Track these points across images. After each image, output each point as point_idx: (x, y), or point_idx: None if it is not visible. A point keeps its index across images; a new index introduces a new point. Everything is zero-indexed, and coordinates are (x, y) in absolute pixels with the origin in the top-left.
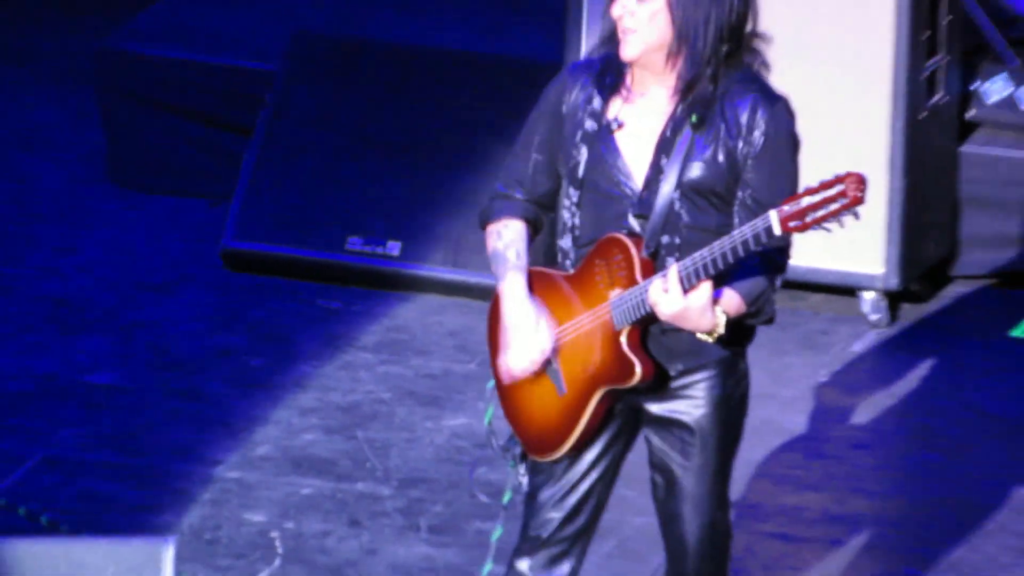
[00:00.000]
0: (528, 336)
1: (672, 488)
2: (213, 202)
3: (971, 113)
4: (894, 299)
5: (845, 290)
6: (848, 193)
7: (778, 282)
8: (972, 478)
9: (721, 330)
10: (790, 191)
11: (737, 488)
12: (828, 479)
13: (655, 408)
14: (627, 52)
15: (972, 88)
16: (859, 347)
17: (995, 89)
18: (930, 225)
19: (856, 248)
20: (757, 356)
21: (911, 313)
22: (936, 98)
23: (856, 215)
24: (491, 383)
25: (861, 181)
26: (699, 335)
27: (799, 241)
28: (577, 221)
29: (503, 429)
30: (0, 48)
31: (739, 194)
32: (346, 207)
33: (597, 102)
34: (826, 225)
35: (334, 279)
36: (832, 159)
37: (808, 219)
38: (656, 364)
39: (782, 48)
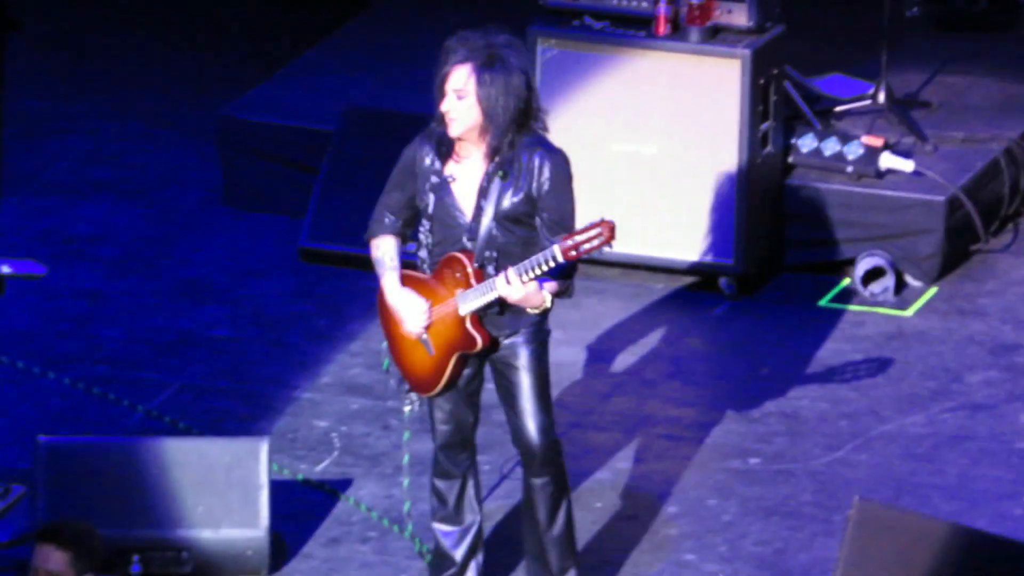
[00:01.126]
0: (411, 309)
1: (514, 409)
2: (294, 217)
3: (791, 159)
4: (741, 281)
5: (710, 274)
6: (604, 234)
7: (574, 277)
8: (794, 397)
9: (548, 304)
10: (571, 210)
11: (636, 405)
12: (697, 399)
13: (495, 360)
14: (452, 132)
15: (791, 142)
16: (718, 312)
17: (806, 143)
18: (765, 232)
19: (716, 247)
20: (654, 318)
21: (753, 289)
22: (767, 149)
23: (611, 247)
24: (384, 344)
25: (612, 227)
26: (531, 310)
27: (679, 239)
28: (430, 241)
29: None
30: (144, 109)
31: (540, 216)
32: None
33: (437, 164)
34: (591, 254)
35: (374, 267)
36: (700, 191)
37: (579, 251)
38: (491, 335)
39: (666, 118)
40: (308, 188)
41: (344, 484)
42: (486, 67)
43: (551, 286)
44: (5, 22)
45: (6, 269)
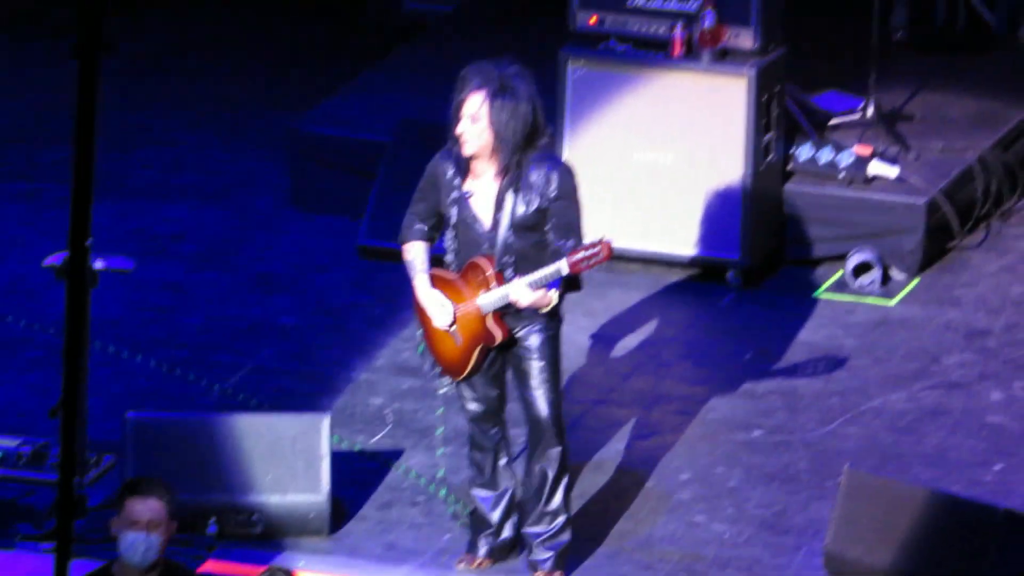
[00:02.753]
0: (438, 308)
1: (526, 387)
2: (353, 218)
3: (790, 166)
4: (746, 274)
5: (719, 268)
6: (603, 252)
7: (581, 282)
8: (792, 376)
9: (555, 303)
10: (578, 216)
11: (652, 384)
12: (707, 378)
13: (514, 347)
14: (466, 151)
15: (790, 151)
16: (726, 301)
17: (803, 153)
18: (768, 230)
19: (724, 243)
20: (670, 307)
21: (756, 282)
22: (769, 157)
23: (609, 262)
24: (419, 332)
25: (610, 247)
26: (541, 309)
27: (693, 237)
28: (455, 246)
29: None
30: (221, 122)
31: (550, 222)
32: None
33: (457, 181)
34: (593, 269)
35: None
36: (711, 194)
37: (582, 266)
38: (509, 330)
39: (681, 130)
40: (366, 192)
41: (396, 454)
42: (498, 95)
43: (558, 289)
44: (100, 45)
45: (99, 264)
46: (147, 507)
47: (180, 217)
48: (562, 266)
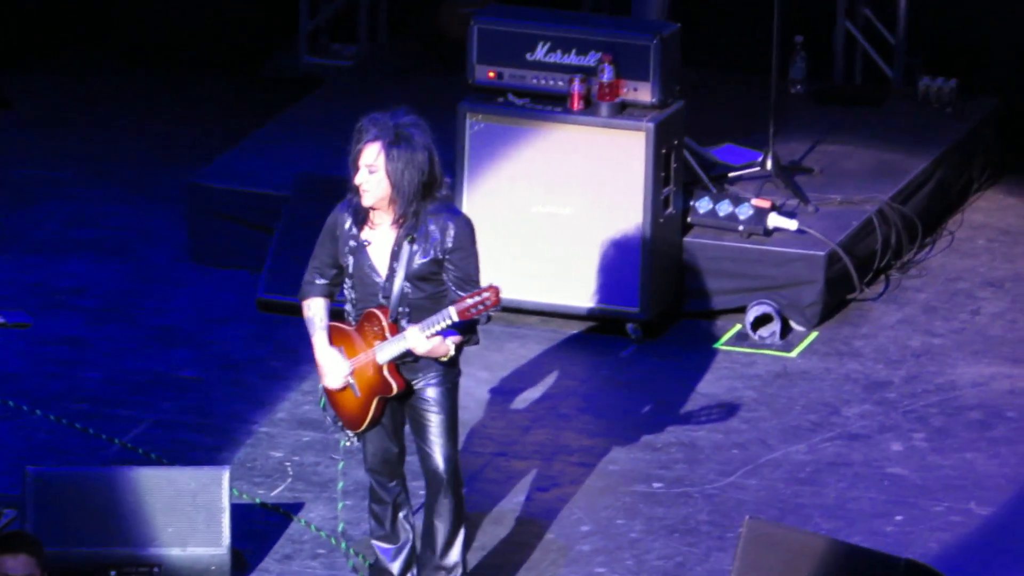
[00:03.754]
0: (334, 369)
1: (424, 440)
2: (252, 272)
3: (689, 219)
4: (646, 326)
5: (618, 320)
6: (491, 299)
7: (478, 328)
8: (692, 428)
9: (452, 353)
10: (476, 267)
11: (552, 436)
12: (607, 430)
13: (412, 399)
14: (365, 202)
15: (690, 204)
16: (625, 354)
17: (703, 205)
18: (667, 283)
19: (624, 296)
20: (569, 359)
21: (656, 334)
22: (668, 210)
23: (498, 309)
24: (321, 386)
25: (498, 292)
26: (439, 359)
27: (592, 290)
28: (353, 296)
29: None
30: (120, 177)
31: (447, 273)
32: None
33: (354, 230)
34: (482, 315)
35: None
36: (610, 247)
37: (471, 312)
38: (406, 380)
39: (580, 183)
40: (265, 246)
41: (296, 507)
42: (393, 144)
43: (455, 338)
44: None
45: None
46: (19, 563)
47: (79, 271)
48: (451, 313)
